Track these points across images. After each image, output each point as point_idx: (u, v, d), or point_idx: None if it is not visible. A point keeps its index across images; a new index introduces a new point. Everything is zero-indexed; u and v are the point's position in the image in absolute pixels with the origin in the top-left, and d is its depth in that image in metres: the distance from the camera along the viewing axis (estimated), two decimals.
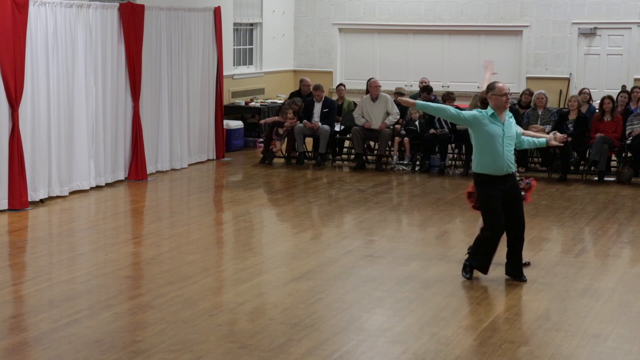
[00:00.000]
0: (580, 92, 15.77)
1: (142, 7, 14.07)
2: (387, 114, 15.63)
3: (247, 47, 19.20)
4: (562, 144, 9.36)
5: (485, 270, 8.85)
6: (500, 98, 8.64)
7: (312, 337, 7.16)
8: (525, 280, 8.83)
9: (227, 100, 17.68)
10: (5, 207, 11.67)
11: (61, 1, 12.46)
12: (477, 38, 19.32)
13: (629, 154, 14.75)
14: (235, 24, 18.38)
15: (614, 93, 15.99)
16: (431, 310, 7.92)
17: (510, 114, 8.84)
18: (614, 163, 15.25)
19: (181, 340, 7.05)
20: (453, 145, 15.66)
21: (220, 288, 8.74)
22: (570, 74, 18.62)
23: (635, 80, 17.87)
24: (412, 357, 6.80)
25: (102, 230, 11.06)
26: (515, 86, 17.97)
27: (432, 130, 15.18)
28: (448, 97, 15.41)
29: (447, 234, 11.09)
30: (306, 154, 16.22)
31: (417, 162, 15.54)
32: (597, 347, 7.06)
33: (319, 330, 7.35)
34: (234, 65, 18.44)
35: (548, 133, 14.53)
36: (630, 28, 18.25)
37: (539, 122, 14.83)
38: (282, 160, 16.11)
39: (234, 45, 18.49)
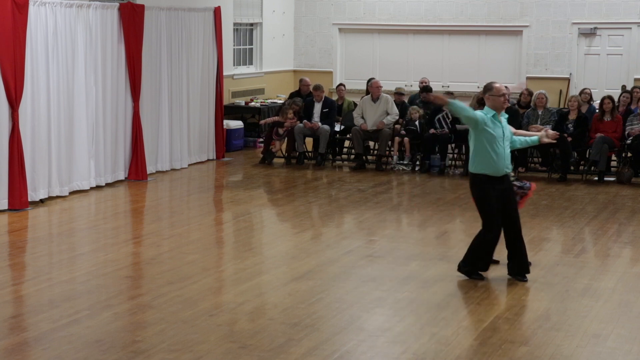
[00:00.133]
0: (581, 92, 15.76)
1: (142, 7, 14.07)
2: (387, 114, 15.62)
3: (247, 47, 19.21)
4: (554, 141, 9.35)
5: (486, 268, 8.89)
6: (499, 98, 8.64)
7: (312, 337, 7.16)
8: (526, 280, 8.83)
9: (227, 100, 17.68)
10: (5, 207, 11.67)
11: (61, 1, 12.46)
12: (477, 38, 19.32)
13: (629, 154, 14.75)
14: (235, 24, 18.38)
15: (614, 93, 16.00)
16: (431, 310, 7.92)
17: (506, 115, 8.84)
18: (614, 163, 15.25)
19: (181, 340, 7.05)
20: (453, 145, 15.66)
21: (220, 288, 8.74)
22: (570, 74, 18.62)
23: (635, 80, 17.88)
24: (412, 357, 6.80)
25: (102, 230, 11.06)
26: (515, 86, 17.96)
27: (432, 130, 15.18)
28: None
29: (447, 234, 11.09)
30: (306, 154, 16.22)
31: (417, 162, 15.55)
32: (597, 347, 7.06)
33: (319, 330, 7.35)
34: (234, 65, 18.44)
35: None
36: (630, 28, 18.25)
37: (539, 122, 14.83)
38: (282, 160, 16.11)
39: (234, 45, 18.49)
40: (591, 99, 15.72)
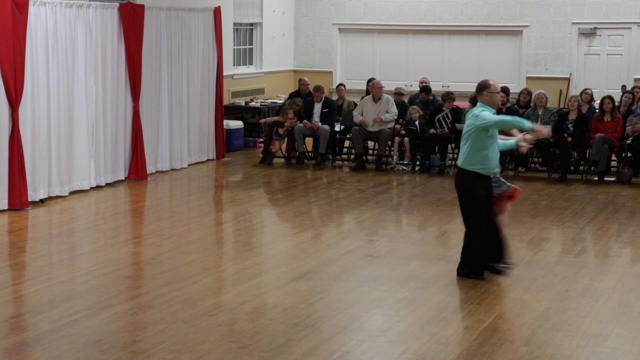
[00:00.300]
0: (582, 93, 15.75)
1: (142, 7, 14.07)
2: (387, 113, 15.62)
3: (247, 47, 19.21)
4: (531, 145, 9.36)
5: (482, 271, 8.92)
6: (496, 95, 8.69)
7: (312, 337, 7.16)
8: (502, 272, 8.84)
9: (227, 100, 17.68)
10: (5, 207, 11.67)
11: (61, 1, 12.46)
12: (477, 38, 19.32)
13: (629, 154, 14.75)
14: (235, 24, 18.38)
15: (614, 93, 16.00)
16: (431, 310, 7.92)
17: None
18: (614, 163, 15.25)
19: (181, 340, 7.05)
20: (453, 145, 15.65)
21: (220, 288, 8.74)
22: (570, 74, 18.62)
23: (635, 80, 17.88)
24: (412, 357, 6.80)
25: (102, 230, 11.06)
26: (515, 86, 17.96)
27: (432, 130, 15.17)
28: (448, 97, 15.40)
29: (447, 234, 11.09)
30: (306, 154, 16.22)
31: (417, 162, 15.54)
32: (597, 347, 7.06)
33: (319, 330, 7.35)
34: (234, 65, 18.44)
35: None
36: (630, 28, 18.26)
37: (539, 122, 14.81)
38: (282, 160, 16.11)
39: (234, 45, 18.49)
40: (592, 99, 15.71)
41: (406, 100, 16.59)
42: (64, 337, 7.08)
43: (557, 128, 14.61)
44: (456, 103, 15.68)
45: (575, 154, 14.85)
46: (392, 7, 19.80)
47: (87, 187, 13.12)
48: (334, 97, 17.36)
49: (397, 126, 15.78)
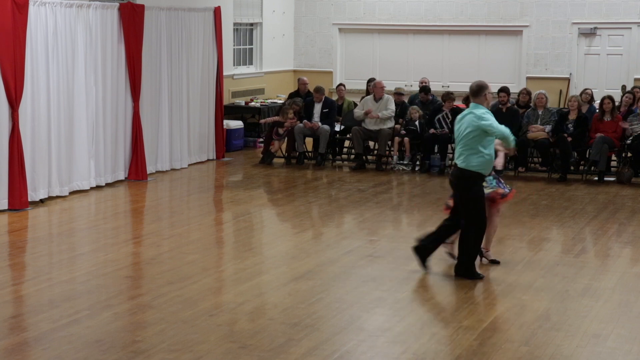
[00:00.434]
0: (582, 93, 15.74)
1: (142, 7, 14.07)
2: (384, 110, 15.62)
3: (247, 47, 19.21)
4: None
5: (475, 272, 8.96)
6: (490, 95, 8.89)
7: (312, 337, 7.16)
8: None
9: (227, 100, 17.68)
10: (5, 207, 11.67)
11: (61, 1, 12.46)
12: (477, 38, 19.32)
13: (629, 154, 14.75)
14: (235, 24, 18.38)
15: (614, 93, 15.99)
16: (431, 310, 7.92)
17: None
18: (614, 163, 15.24)
19: (181, 340, 7.05)
20: (453, 145, 15.64)
21: (220, 288, 8.74)
22: (570, 74, 18.62)
23: (635, 80, 17.88)
24: (412, 357, 6.80)
25: (102, 230, 11.06)
26: (515, 86, 17.95)
27: (432, 130, 15.17)
28: (448, 97, 15.40)
29: None
30: (306, 154, 16.21)
31: (417, 162, 15.54)
32: (597, 347, 7.06)
33: (319, 330, 7.35)
34: (234, 65, 18.44)
35: (548, 133, 14.64)
36: (630, 28, 18.26)
37: (539, 122, 14.83)
38: (282, 160, 16.11)
39: (234, 45, 18.49)
40: (592, 99, 15.71)
41: (406, 100, 16.59)
42: (64, 337, 7.08)
43: (557, 128, 14.61)
44: (456, 103, 15.68)
45: (575, 154, 14.84)
46: (392, 7, 19.80)
47: (87, 187, 13.12)
48: (334, 97, 17.36)
49: (397, 126, 15.78)
